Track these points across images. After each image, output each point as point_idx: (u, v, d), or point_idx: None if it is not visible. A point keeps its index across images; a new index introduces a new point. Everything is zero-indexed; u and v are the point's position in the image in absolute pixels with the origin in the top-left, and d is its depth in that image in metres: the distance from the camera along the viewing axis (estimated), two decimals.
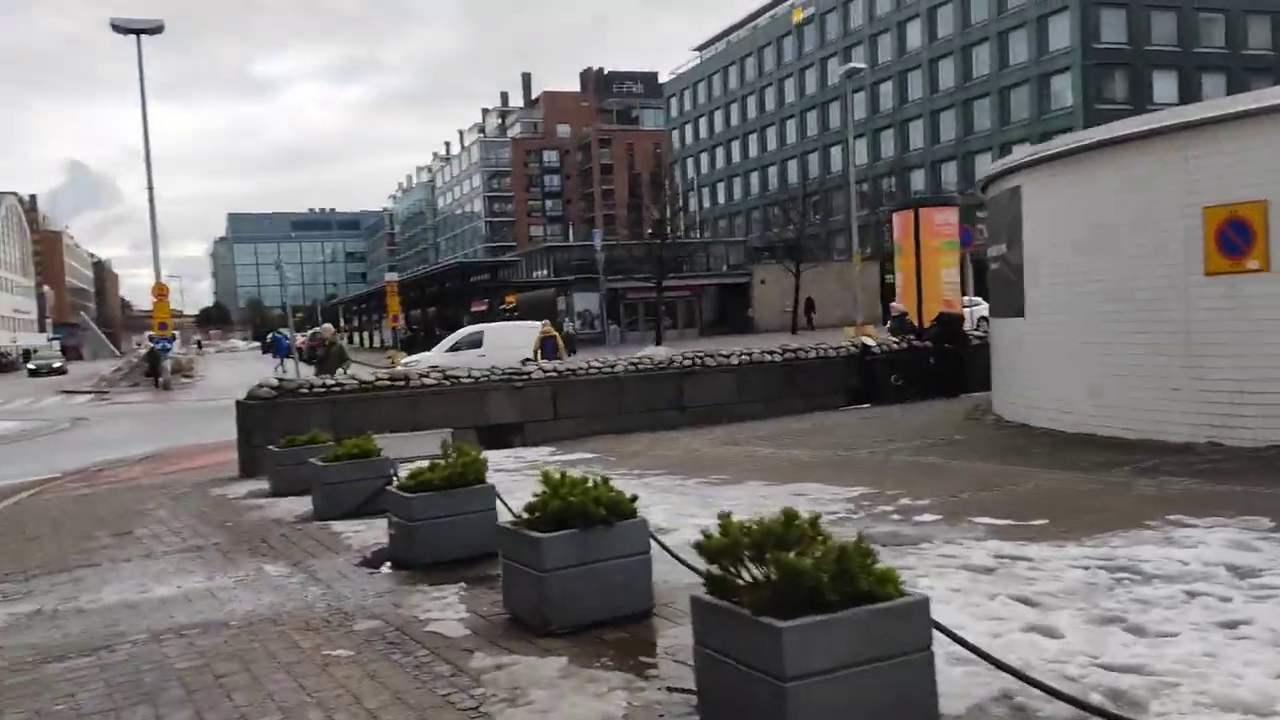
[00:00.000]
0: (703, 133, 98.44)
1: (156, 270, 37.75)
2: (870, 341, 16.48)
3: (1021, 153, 12.34)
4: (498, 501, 6.99)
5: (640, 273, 50.95)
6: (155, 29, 36.49)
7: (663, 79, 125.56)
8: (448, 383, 14.20)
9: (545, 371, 14.74)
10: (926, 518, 7.22)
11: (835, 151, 78.58)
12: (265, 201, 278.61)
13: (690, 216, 59.14)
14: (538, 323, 27.08)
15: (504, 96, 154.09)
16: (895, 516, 7.35)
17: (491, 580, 6.09)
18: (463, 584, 6.18)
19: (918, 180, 70.10)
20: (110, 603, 6.37)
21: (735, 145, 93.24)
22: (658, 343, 44.27)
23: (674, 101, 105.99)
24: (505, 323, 35.44)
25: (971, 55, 65.72)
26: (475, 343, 27.52)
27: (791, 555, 3.28)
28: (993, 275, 13.61)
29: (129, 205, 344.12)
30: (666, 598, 5.31)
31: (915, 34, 70.16)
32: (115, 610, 6.17)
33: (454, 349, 26.86)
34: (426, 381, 14.08)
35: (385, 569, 6.82)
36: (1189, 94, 58.90)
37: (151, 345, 43.83)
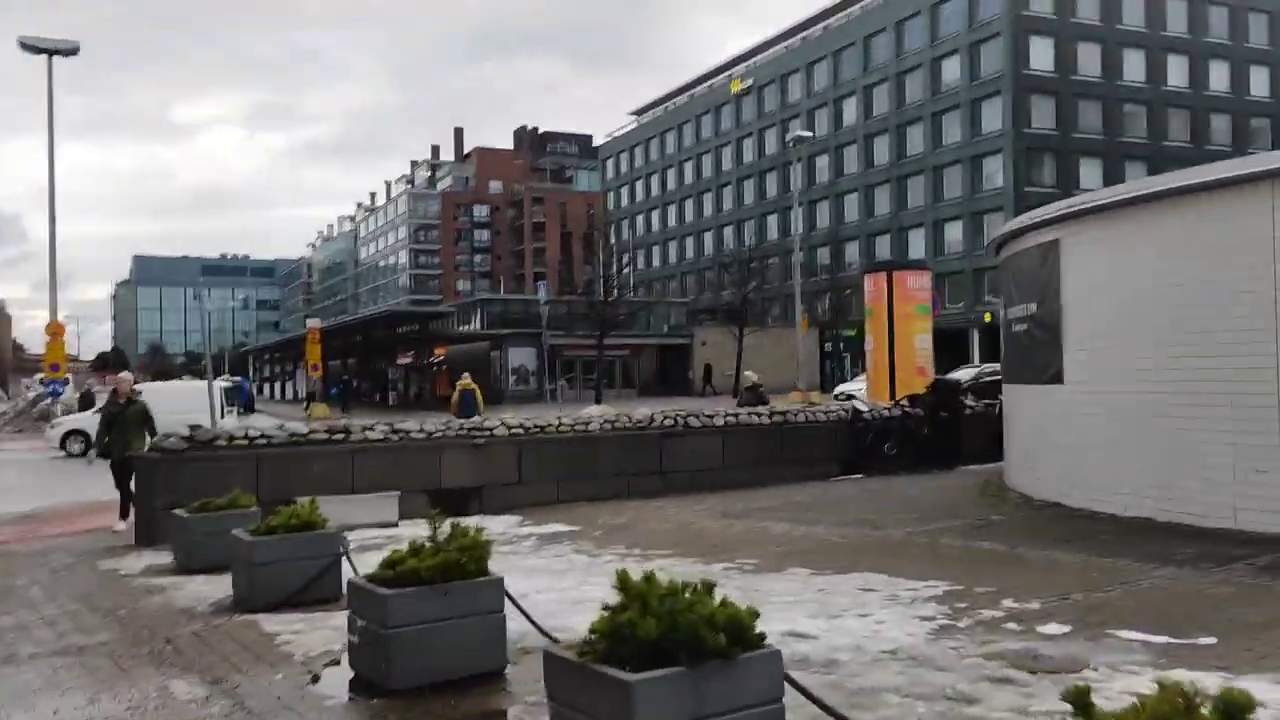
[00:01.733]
0: (639, 195, 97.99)
1: (52, 307, 34.70)
2: (863, 406, 15.04)
3: (1058, 204, 11.08)
4: (508, 602, 5.16)
5: (578, 330, 49.27)
6: (69, 50, 33.91)
7: (598, 141, 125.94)
8: (395, 437, 12.24)
9: (510, 428, 12.88)
10: (1054, 629, 5.62)
11: (771, 220, 78.56)
12: (175, 246, 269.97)
13: (626, 277, 57.72)
14: (201, 383, 21.67)
15: (434, 150, 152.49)
16: (1012, 626, 5.73)
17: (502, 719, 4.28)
18: None
19: (851, 252, 70.18)
20: None
21: (671, 209, 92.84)
22: (597, 401, 42.53)
23: (609, 163, 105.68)
24: (168, 383, 32.87)
25: (906, 134, 66.38)
26: None
27: None
28: (1011, 338, 12.27)
29: (34, 244, 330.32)
30: None
31: (851, 111, 70.77)
32: None
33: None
34: (370, 436, 12.10)
35: (344, 695, 4.91)
36: (1113, 180, 60.22)
37: (41, 389, 40.43)
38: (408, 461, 12.15)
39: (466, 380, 30.86)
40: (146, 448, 11.33)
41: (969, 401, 15.95)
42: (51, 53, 33.72)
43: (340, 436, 11.96)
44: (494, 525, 11.05)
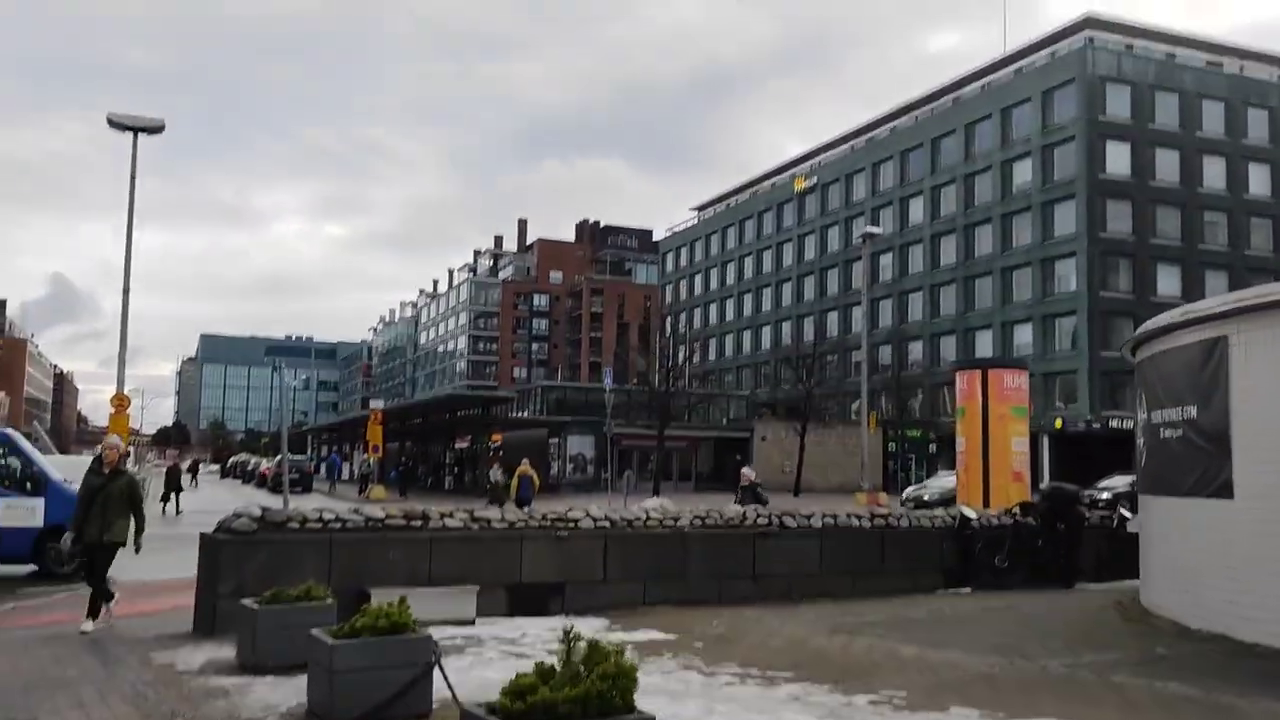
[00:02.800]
0: (697, 288, 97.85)
1: (120, 379, 34.71)
2: (970, 513, 13.85)
3: (1221, 298, 10.05)
4: None
5: (638, 419, 48.33)
6: (155, 128, 34.49)
7: (658, 236, 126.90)
8: (475, 526, 11.33)
9: (596, 520, 11.93)
10: None
11: (832, 317, 77.67)
12: (240, 327, 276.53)
13: (685, 368, 56.81)
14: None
15: (498, 240, 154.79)
16: None
17: None
18: None
19: (915, 351, 68.89)
20: None
21: (730, 303, 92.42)
22: (655, 493, 41.36)
23: (669, 256, 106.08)
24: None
25: (974, 234, 65.56)
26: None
27: None
28: (1157, 445, 11.11)
29: (105, 322, 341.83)
30: None
31: (918, 210, 70.24)
32: None
33: None
34: (449, 523, 11.21)
35: None
36: (1192, 288, 58.63)
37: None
38: (486, 553, 11.23)
39: (525, 466, 30.14)
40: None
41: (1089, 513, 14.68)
42: (137, 130, 34.23)
43: (418, 523, 11.09)
44: (579, 628, 10.05)
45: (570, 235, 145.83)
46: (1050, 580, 13.50)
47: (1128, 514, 14.71)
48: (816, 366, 56.55)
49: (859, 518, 13.43)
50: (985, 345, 63.97)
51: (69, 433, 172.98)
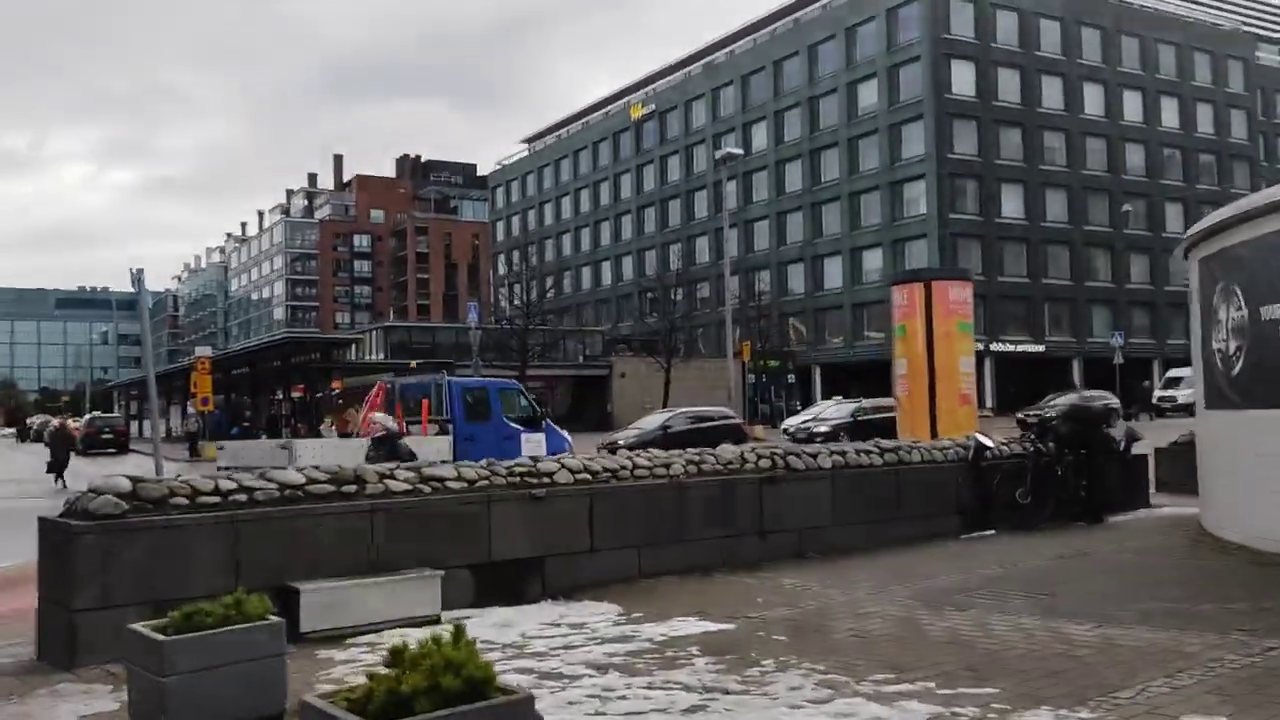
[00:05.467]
0: (531, 223, 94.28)
1: None
2: (988, 441, 11.98)
3: None
4: None
5: (492, 360, 45.17)
6: None
7: (483, 171, 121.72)
8: (426, 488, 8.48)
9: (575, 472, 9.26)
10: None
11: (673, 250, 76.01)
12: (24, 280, 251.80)
13: (541, 304, 53.70)
14: None
15: (311, 178, 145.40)
16: None
17: None
18: None
19: (763, 281, 68.20)
20: None
21: (569, 238, 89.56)
22: None
23: (499, 192, 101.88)
24: None
25: (820, 159, 65.03)
26: None
27: None
28: (1214, 354, 9.40)
29: None
30: None
31: (761, 136, 69.07)
32: None
33: None
34: (393, 485, 8.32)
35: None
36: (1034, 209, 60.06)
37: None
38: (444, 524, 8.43)
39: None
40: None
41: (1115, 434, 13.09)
42: None
43: (351, 488, 8.14)
44: (587, 623, 7.52)
45: (390, 174, 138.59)
46: (1076, 515, 11.83)
47: (1139, 434, 13.26)
48: (676, 298, 54.74)
49: (868, 453, 11.30)
50: (834, 272, 63.90)
51: None
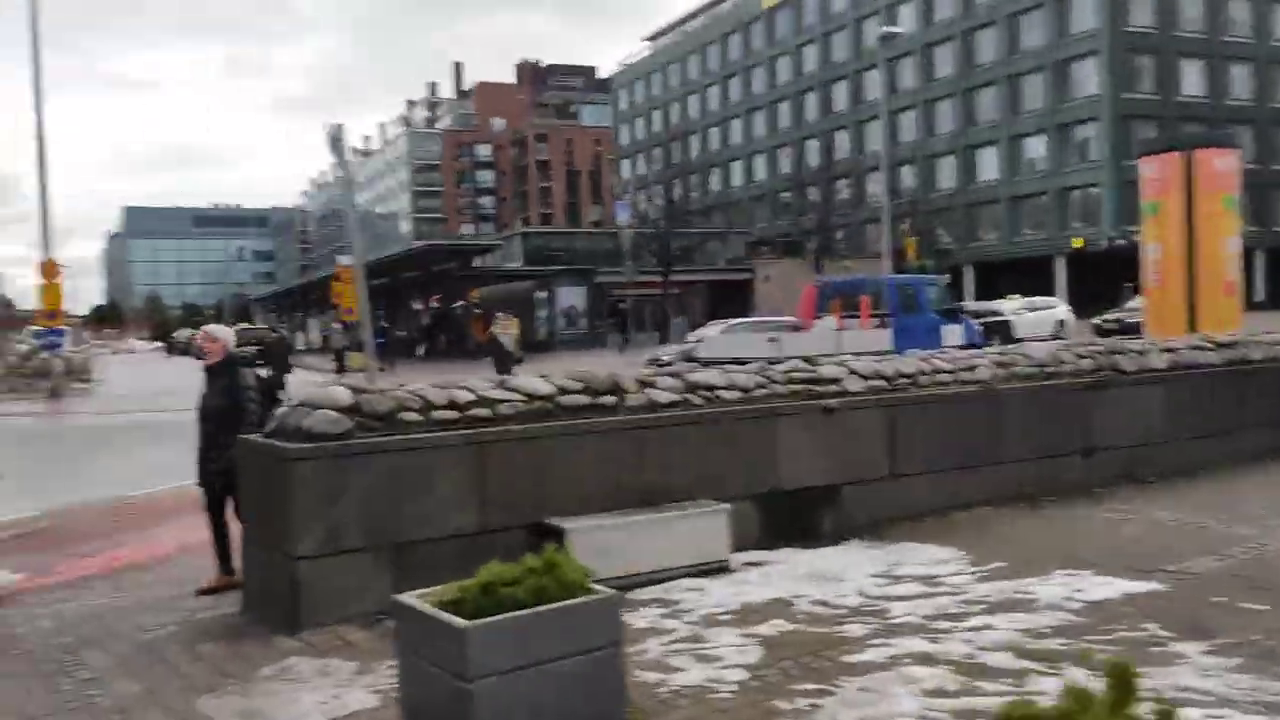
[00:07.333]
0: (655, 125, 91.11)
1: (45, 241, 28.96)
2: None
3: None
4: None
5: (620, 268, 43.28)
6: None
7: (605, 73, 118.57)
8: (696, 398, 6.70)
9: (866, 377, 7.35)
10: None
11: (810, 144, 72.12)
12: (158, 200, 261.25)
13: (686, 203, 50.98)
14: None
15: (432, 87, 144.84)
16: None
17: None
18: None
19: (907, 177, 64.06)
20: None
21: (693, 139, 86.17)
22: (662, 344, 37.00)
23: (622, 94, 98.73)
24: None
25: (974, 40, 60.05)
26: None
27: None
28: None
29: (26, 204, 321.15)
30: None
31: (908, 17, 64.09)
32: None
33: None
34: (656, 396, 6.56)
35: None
36: (1218, 86, 54.38)
37: (34, 343, 34.67)
38: (721, 444, 6.64)
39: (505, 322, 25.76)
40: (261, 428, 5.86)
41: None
42: None
43: (610, 399, 6.41)
44: (936, 575, 5.68)
45: (509, 82, 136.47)
46: None
47: None
48: (816, 197, 51.64)
49: (1201, 348, 9.04)
50: (989, 164, 59.51)
51: None
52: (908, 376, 7.59)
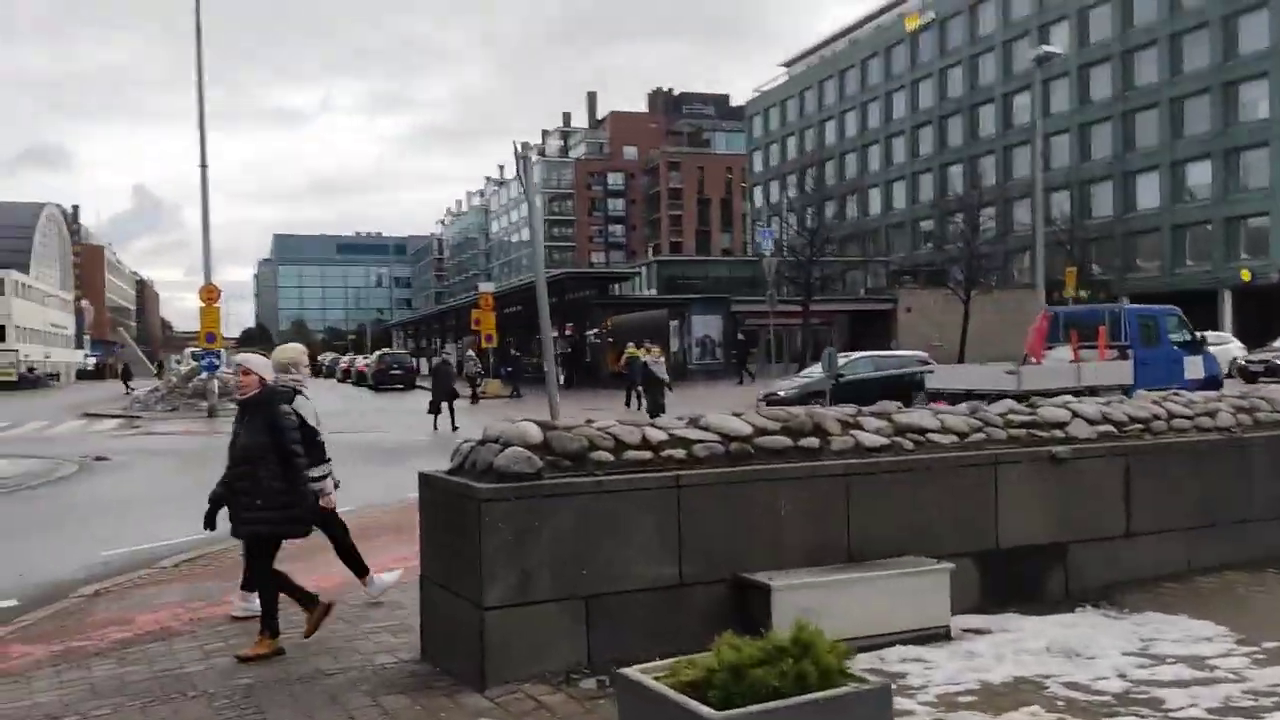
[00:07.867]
0: (790, 152, 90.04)
1: (206, 268, 30.11)
2: None
3: None
4: None
5: (757, 296, 42.59)
6: None
7: (737, 101, 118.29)
8: (906, 442, 6.01)
9: (1093, 422, 6.53)
10: None
11: (954, 171, 69.99)
12: (305, 228, 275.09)
13: (827, 230, 49.66)
14: None
15: (566, 116, 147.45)
16: None
17: None
18: None
19: (1060, 204, 61.21)
20: None
21: (829, 166, 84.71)
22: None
23: (757, 120, 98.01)
24: None
25: (1134, 61, 57.24)
26: None
27: None
28: None
29: (186, 232, 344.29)
30: None
31: (1061, 37, 61.62)
32: None
33: None
34: (863, 440, 5.89)
35: None
36: None
37: (193, 363, 36.18)
38: (934, 493, 5.92)
39: (645, 349, 25.46)
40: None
41: None
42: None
43: (813, 442, 5.78)
44: (1203, 656, 4.80)
45: (642, 110, 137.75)
46: None
47: None
48: (960, 224, 49.79)
49: None
50: (1149, 190, 56.46)
51: (155, 339, 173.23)
52: (1140, 422, 6.69)
